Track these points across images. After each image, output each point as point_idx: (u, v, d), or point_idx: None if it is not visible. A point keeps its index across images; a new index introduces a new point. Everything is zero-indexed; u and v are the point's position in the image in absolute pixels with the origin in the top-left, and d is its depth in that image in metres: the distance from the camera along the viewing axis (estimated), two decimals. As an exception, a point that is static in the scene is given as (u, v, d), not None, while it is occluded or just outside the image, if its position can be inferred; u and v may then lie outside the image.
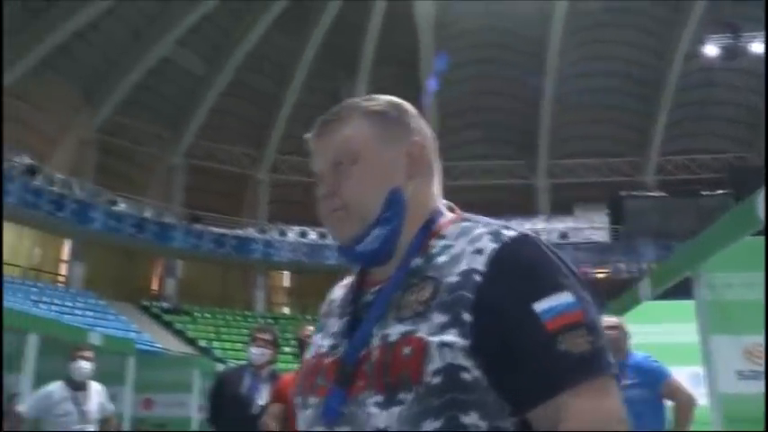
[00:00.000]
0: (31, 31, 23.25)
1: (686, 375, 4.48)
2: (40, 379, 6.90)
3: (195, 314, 25.50)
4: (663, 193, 28.91)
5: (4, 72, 22.98)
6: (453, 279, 0.97)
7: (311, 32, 27.72)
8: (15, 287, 20.27)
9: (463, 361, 0.92)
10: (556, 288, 0.94)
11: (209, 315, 25.78)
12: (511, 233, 1.00)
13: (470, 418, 0.91)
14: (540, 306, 0.92)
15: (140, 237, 25.01)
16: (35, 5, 23.09)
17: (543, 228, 28.59)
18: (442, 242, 1.04)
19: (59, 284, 24.51)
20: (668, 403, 4.23)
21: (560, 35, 28.25)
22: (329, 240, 23.42)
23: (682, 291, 4.35)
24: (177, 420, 9.77)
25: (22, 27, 23.07)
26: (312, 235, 27.05)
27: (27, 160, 22.51)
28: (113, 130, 26.78)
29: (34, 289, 21.23)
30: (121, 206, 25.17)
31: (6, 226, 22.63)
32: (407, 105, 1.18)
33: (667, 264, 5.28)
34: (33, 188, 22.23)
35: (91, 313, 21.07)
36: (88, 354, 5.56)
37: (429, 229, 1.07)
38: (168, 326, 24.11)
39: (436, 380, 0.91)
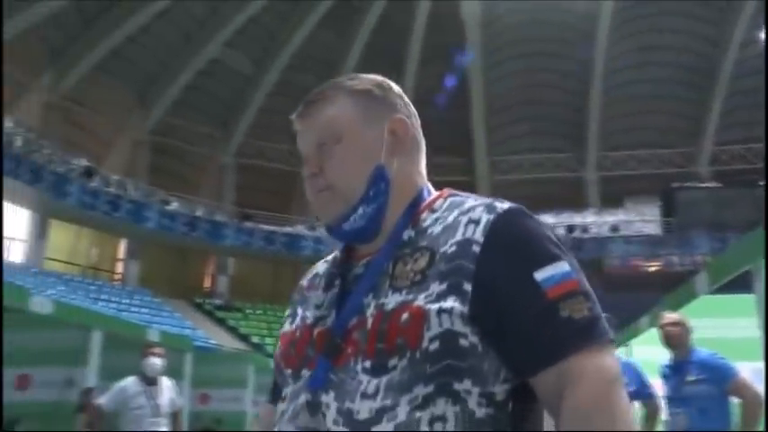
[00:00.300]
0: (85, 39, 23.90)
1: (746, 371, 4.42)
2: (104, 373, 7.15)
3: (247, 311, 25.91)
4: (717, 184, 28.26)
5: (63, 78, 23.69)
6: (450, 249, 0.98)
7: (357, 31, 27.87)
8: (75, 285, 20.90)
9: (461, 327, 0.92)
10: (553, 258, 0.96)
11: (260, 311, 26.16)
12: (504, 205, 1.02)
13: (463, 385, 0.92)
14: (541, 275, 0.94)
15: (193, 235, 25.51)
16: (89, 14, 23.71)
17: (593, 221, 28.23)
18: (434, 215, 1.05)
19: (116, 282, 25.18)
20: (735, 400, 4.19)
21: (609, 26, 27.83)
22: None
23: (740, 284, 4.28)
24: (233, 415, 9.95)
25: (77, 35, 23.75)
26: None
27: (84, 163, 23.14)
28: (165, 130, 27.36)
29: (93, 287, 21.84)
30: (174, 205, 25.70)
31: (66, 227, 23.35)
32: (391, 83, 1.18)
33: (725, 256, 5.19)
34: (91, 190, 22.86)
35: (146, 310, 21.59)
36: (159, 351, 5.83)
37: (418, 203, 1.09)
38: (221, 322, 24.55)
39: (434, 345, 0.92)
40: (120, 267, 26.27)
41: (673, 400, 4.34)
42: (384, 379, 0.93)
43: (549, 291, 0.93)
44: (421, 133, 1.18)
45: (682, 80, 29.42)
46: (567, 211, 28.41)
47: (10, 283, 11.53)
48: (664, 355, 4.52)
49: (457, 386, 0.92)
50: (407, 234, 1.04)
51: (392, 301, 0.97)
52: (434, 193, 1.13)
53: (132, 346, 7.84)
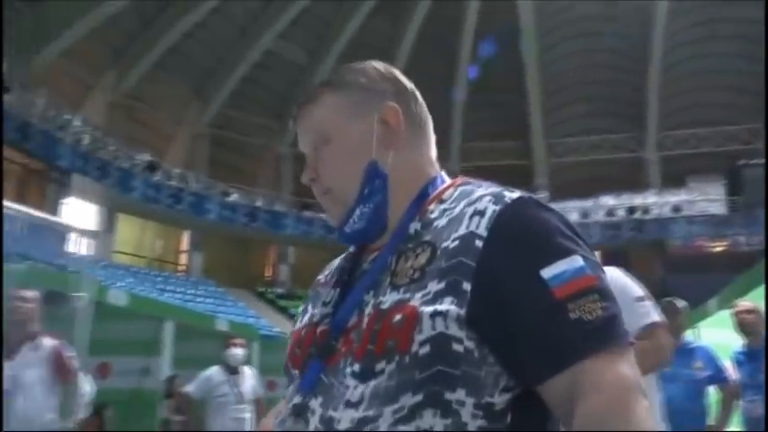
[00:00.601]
0: (144, 38, 24.51)
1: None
2: (176, 362, 7.42)
3: (308, 299, 26.25)
4: (786, 160, 27.31)
5: (125, 77, 24.35)
6: (452, 244, 0.90)
7: (410, 18, 27.81)
8: (142, 277, 21.56)
9: (456, 331, 0.84)
10: (565, 252, 0.86)
11: (321, 299, 26.45)
12: (514, 194, 0.93)
13: (455, 395, 0.84)
14: (548, 272, 0.85)
15: (253, 225, 25.99)
16: (148, 14, 24.28)
17: (654, 202, 27.64)
18: (442, 206, 0.97)
19: (180, 274, 25.85)
20: None
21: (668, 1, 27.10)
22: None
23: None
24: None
25: (137, 35, 24.37)
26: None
27: (147, 157, 23.79)
28: (223, 123, 27.89)
29: (159, 278, 22.49)
30: (234, 197, 26.22)
31: (131, 220, 24.08)
32: (381, 67, 1.09)
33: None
34: (154, 183, 23.51)
35: (211, 300, 22.13)
36: (240, 342, 6.12)
37: (426, 194, 1.01)
38: (283, 311, 24.98)
39: (424, 350, 0.84)
40: (183, 259, 26.96)
41: (748, 387, 4.30)
42: (371, 385, 0.86)
43: (556, 290, 0.84)
44: (426, 117, 1.10)
45: (744, 53, 28.44)
46: (626, 193, 27.89)
47: (86, 276, 11.97)
48: (734, 339, 4.48)
49: (449, 396, 0.83)
50: (414, 227, 0.97)
51: (389, 299, 0.90)
52: (447, 181, 1.05)
53: (201, 335, 8.11)
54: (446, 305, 0.85)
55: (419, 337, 0.84)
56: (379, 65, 1.10)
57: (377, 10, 27.21)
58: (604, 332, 0.83)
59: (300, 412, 0.92)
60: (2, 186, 3.22)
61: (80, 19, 21.70)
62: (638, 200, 27.83)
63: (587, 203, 27.16)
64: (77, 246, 20.51)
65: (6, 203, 16.36)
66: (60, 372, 3.86)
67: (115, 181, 22.08)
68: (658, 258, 25.65)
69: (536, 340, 0.83)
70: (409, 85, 1.10)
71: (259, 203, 26.80)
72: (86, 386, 4.12)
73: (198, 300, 21.19)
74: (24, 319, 3.90)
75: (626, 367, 0.83)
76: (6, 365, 3.75)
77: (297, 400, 0.94)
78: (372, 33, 27.70)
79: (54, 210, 20.60)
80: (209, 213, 24.96)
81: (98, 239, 22.17)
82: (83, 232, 20.70)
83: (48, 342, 3.92)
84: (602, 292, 0.86)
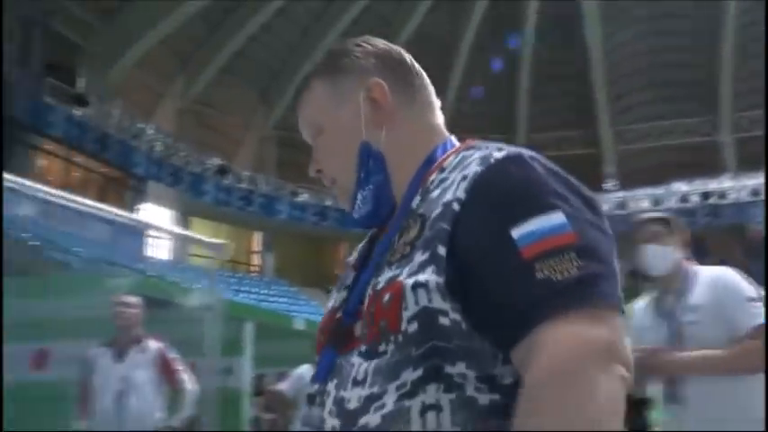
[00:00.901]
0: (211, 45, 25.11)
1: None
2: (256, 361, 7.63)
3: (379, 296, 26.43)
4: None
5: (193, 83, 24.98)
6: (436, 211, 0.85)
7: (471, 10, 27.64)
8: (218, 279, 22.10)
9: (440, 303, 0.80)
10: (542, 209, 0.79)
11: (392, 296, 26.60)
12: (501, 153, 0.86)
13: (456, 368, 0.79)
14: (519, 231, 0.78)
15: (323, 224, 26.32)
16: (213, 21, 24.86)
17: (731, 186, 26.75)
18: (441, 175, 0.91)
19: (254, 274, 26.40)
20: None
21: (738, -23, 26.18)
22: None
23: None
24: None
25: (203, 41, 24.99)
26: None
27: (217, 162, 24.39)
28: (289, 125, 28.27)
29: (233, 279, 23.02)
30: (303, 196, 26.60)
31: (204, 223, 24.71)
32: (366, 43, 1.06)
33: None
34: (225, 187, 24.12)
35: (285, 300, 22.54)
36: None
37: (430, 164, 0.96)
38: (354, 308, 25.19)
39: (412, 327, 0.80)
40: (256, 259, 27.52)
41: None
42: (373, 362, 0.84)
43: (524, 249, 0.77)
44: (422, 84, 1.05)
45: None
46: (700, 178, 27.08)
47: (166, 280, 12.38)
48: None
49: (449, 369, 0.79)
50: (416, 201, 0.92)
51: (383, 279, 0.87)
52: (453, 148, 0.99)
53: (279, 334, 8.31)
54: (426, 275, 0.81)
55: (406, 315, 0.81)
56: (364, 41, 1.06)
57: (436, 6, 27.14)
58: (574, 292, 0.74)
59: (315, 400, 0.91)
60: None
61: (149, 30, 22.40)
62: (712, 185, 26.97)
63: (659, 190, 26.49)
64: (155, 249, 21.25)
65: (90, 210, 17.04)
66: (166, 372, 4.09)
67: (188, 186, 22.75)
68: (738, 244, 24.82)
69: (502, 304, 0.77)
70: (398, 55, 1.05)
71: (328, 202, 27.07)
72: (191, 385, 4.30)
73: (272, 300, 21.61)
74: (129, 324, 4.14)
75: (594, 330, 0.73)
76: (118, 367, 4.00)
77: (312, 388, 0.93)
78: (434, 27, 27.65)
79: (133, 215, 21.35)
80: (279, 214, 25.43)
81: (174, 243, 22.87)
82: (159, 236, 21.39)
83: (153, 345, 4.15)
84: (583, 251, 0.77)
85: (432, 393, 0.78)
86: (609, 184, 28.52)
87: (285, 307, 20.08)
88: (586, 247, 0.77)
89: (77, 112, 20.06)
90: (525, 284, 0.75)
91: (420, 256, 0.83)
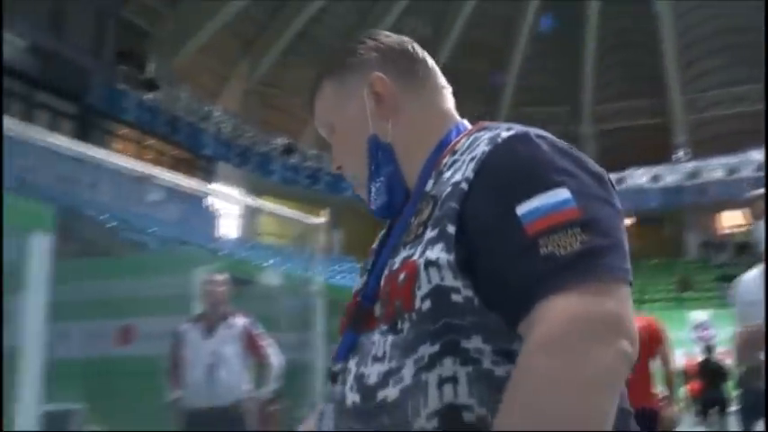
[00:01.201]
0: (273, 27, 25.42)
1: None
2: (328, 336, 7.84)
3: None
4: None
5: (257, 65, 25.36)
6: (446, 191, 0.87)
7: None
8: (287, 256, 22.57)
9: (451, 281, 0.81)
10: (547, 186, 0.79)
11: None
12: (509, 133, 0.87)
13: (472, 343, 0.80)
14: (523, 208, 0.78)
15: (388, 201, 26.44)
16: (274, 4, 25.14)
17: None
18: (453, 158, 0.92)
19: (321, 251, 26.77)
20: None
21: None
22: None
23: None
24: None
25: (266, 25, 25.32)
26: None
27: (283, 141, 24.78)
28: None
29: (302, 257, 23.40)
30: (368, 174, 26.75)
31: (271, 201, 25.18)
32: (367, 38, 1.07)
33: None
34: (291, 166, 24.50)
35: (351, 276, 22.81)
36: None
37: (442, 148, 0.97)
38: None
39: (426, 305, 0.82)
40: (322, 237, 27.90)
41: None
42: (391, 340, 0.85)
43: (528, 226, 0.77)
44: (429, 71, 1.06)
45: None
46: (778, 146, 26.07)
47: (237, 258, 12.73)
48: None
49: (465, 344, 0.80)
50: (429, 184, 0.93)
51: (398, 259, 0.89)
52: (465, 131, 1.00)
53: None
54: (436, 252, 0.82)
55: (419, 293, 0.82)
56: (368, 36, 1.07)
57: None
58: (577, 266, 0.74)
59: (336, 378, 0.94)
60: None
61: (212, 15, 22.84)
62: (791, 152, 25.95)
63: (733, 159, 25.66)
64: (225, 229, 21.83)
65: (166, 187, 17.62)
66: (252, 347, 4.29)
67: (255, 165, 23.24)
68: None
69: (507, 281, 0.78)
70: (400, 46, 1.06)
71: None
72: (276, 360, 4.48)
73: (339, 276, 21.92)
74: (217, 301, 4.35)
75: (596, 302, 0.73)
76: (208, 342, 4.22)
77: (335, 367, 0.95)
78: (495, 3, 27.27)
79: (203, 195, 21.96)
80: (345, 191, 25.67)
81: (243, 222, 23.43)
82: (229, 216, 21.95)
83: (240, 321, 4.35)
84: (587, 225, 0.77)
85: (448, 366, 0.79)
86: (679, 154, 27.75)
87: (352, 283, 20.29)
88: (591, 221, 0.77)
89: (148, 96, 20.69)
90: (529, 260, 0.76)
91: (430, 234, 0.85)
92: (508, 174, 0.82)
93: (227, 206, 22.54)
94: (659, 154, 27.29)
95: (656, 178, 27.22)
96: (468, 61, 28.48)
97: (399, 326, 0.85)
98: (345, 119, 1.03)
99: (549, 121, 28.54)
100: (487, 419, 0.77)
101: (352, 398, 0.87)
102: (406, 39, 1.08)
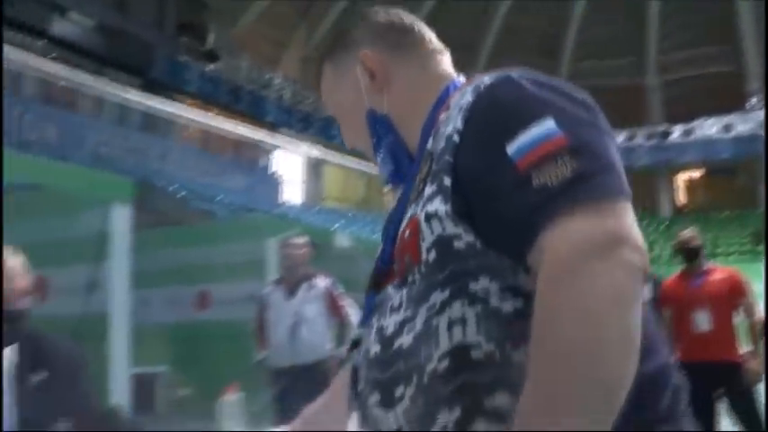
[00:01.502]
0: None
1: None
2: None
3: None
4: None
5: (313, 32, 25.40)
6: (440, 146, 0.89)
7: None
8: (351, 220, 22.83)
9: (452, 229, 0.83)
10: (532, 119, 0.80)
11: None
12: (491, 79, 0.88)
13: (479, 284, 0.82)
14: (512, 146, 0.79)
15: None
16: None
17: None
18: (448, 113, 0.93)
19: (386, 214, 26.92)
20: None
21: None
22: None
23: None
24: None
25: None
26: (619, 138, 26.15)
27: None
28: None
29: (367, 220, 23.65)
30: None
31: (336, 167, 25.42)
32: (359, 17, 1.11)
33: None
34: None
35: (415, 237, 22.90)
36: None
37: (439, 107, 0.99)
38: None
39: (432, 255, 0.84)
40: (386, 201, 28.04)
41: None
42: (405, 292, 0.89)
43: (519, 162, 0.78)
44: (417, 38, 1.08)
45: None
46: None
47: (309, 224, 12.93)
48: None
49: (473, 286, 0.82)
50: (430, 142, 0.94)
51: (406, 218, 0.92)
52: (462, 84, 1.01)
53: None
54: (435, 205, 0.85)
55: (424, 245, 0.85)
56: (359, 16, 1.11)
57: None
58: (570, 192, 0.75)
59: (357, 344, 0.97)
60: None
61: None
62: None
63: (813, 107, 24.50)
64: (289, 194, 22.18)
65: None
66: (333, 307, 4.42)
67: (317, 131, 23.40)
68: None
69: (507, 219, 0.79)
70: (385, 18, 1.08)
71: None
72: (356, 319, 4.60)
73: (402, 238, 22.03)
74: (298, 263, 4.49)
75: (593, 222, 0.73)
76: (290, 303, 4.37)
77: (356, 333, 0.99)
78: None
79: (267, 162, 22.40)
80: (405, 156, 25.72)
81: (307, 188, 23.74)
82: (293, 182, 22.27)
83: (321, 281, 4.49)
84: (576, 151, 0.77)
85: (457, 309, 0.81)
86: (753, 102, 26.68)
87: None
88: (579, 146, 0.77)
89: (210, 67, 21.03)
90: (523, 194, 0.76)
91: (429, 189, 0.87)
92: (494, 117, 0.83)
93: (291, 172, 22.89)
94: (731, 102, 26.26)
95: (727, 128, 26.23)
96: (527, 18, 27.89)
97: (411, 279, 0.88)
98: (345, 98, 1.07)
99: (613, 74, 27.82)
100: (495, 355, 0.79)
101: (374, 349, 0.91)
102: (394, 12, 1.10)
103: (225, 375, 5.56)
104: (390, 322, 0.89)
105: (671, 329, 4.11)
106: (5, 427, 1.55)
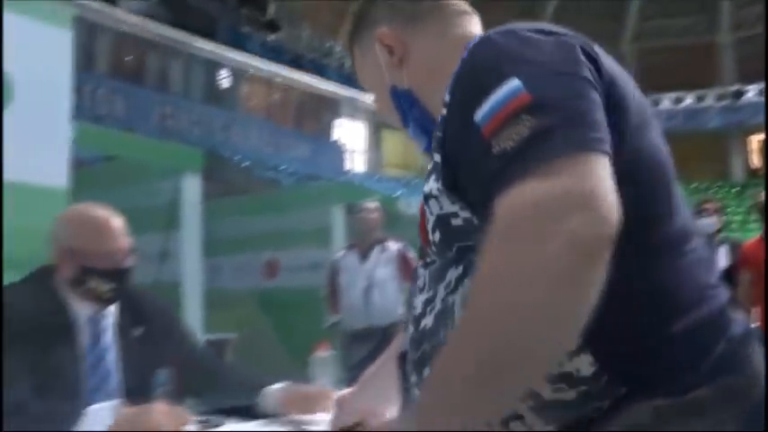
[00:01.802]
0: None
1: None
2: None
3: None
4: None
5: None
6: (438, 120, 0.87)
7: None
8: (413, 187, 22.78)
9: (449, 207, 0.81)
10: (498, 81, 0.74)
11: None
12: (472, 43, 0.84)
13: None
14: (479, 113, 0.75)
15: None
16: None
17: None
18: None
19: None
20: None
21: None
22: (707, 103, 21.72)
23: None
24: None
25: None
26: (688, 100, 25.28)
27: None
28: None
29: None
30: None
31: (396, 135, 25.34)
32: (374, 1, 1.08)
33: None
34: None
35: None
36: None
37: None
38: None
39: (437, 236, 0.84)
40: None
41: None
42: (427, 270, 0.90)
43: (485, 129, 0.73)
44: (432, 4, 1.04)
45: None
46: None
47: (373, 191, 12.96)
48: None
49: None
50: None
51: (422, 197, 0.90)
52: None
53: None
54: (431, 184, 0.84)
55: (429, 226, 0.85)
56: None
57: None
58: (523, 154, 0.69)
59: (406, 323, 0.97)
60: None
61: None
62: None
63: None
64: (352, 163, 22.30)
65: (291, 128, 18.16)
66: (405, 270, 4.45)
67: (378, 99, 23.36)
68: None
69: (479, 190, 0.76)
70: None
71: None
72: None
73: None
74: (370, 227, 4.55)
75: (543, 185, 0.66)
76: (363, 266, 4.44)
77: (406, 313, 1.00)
78: None
79: (328, 132, 22.51)
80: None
81: (368, 156, 23.79)
82: (354, 150, 22.33)
83: (393, 245, 4.53)
84: (538, 107, 0.71)
85: (468, 285, 0.80)
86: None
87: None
88: (541, 101, 0.71)
89: (271, 38, 21.14)
90: (486, 163, 0.72)
91: (428, 167, 0.87)
92: (468, 84, 0.79)
93: (352, 141, 22.96)
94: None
95: (805, 86, 25.11)
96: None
97: (430, 258, 0.89)
98: (371, 78, 1.07)
99: (681, 34, 26.83)
100: None
101: (410, 329, 0.92)
102: None
103: (294, 343, 5.65)
104: (419, 302, 0.90)
105: (749, 293, 3.99)
106: (115, 377, 1.66)
